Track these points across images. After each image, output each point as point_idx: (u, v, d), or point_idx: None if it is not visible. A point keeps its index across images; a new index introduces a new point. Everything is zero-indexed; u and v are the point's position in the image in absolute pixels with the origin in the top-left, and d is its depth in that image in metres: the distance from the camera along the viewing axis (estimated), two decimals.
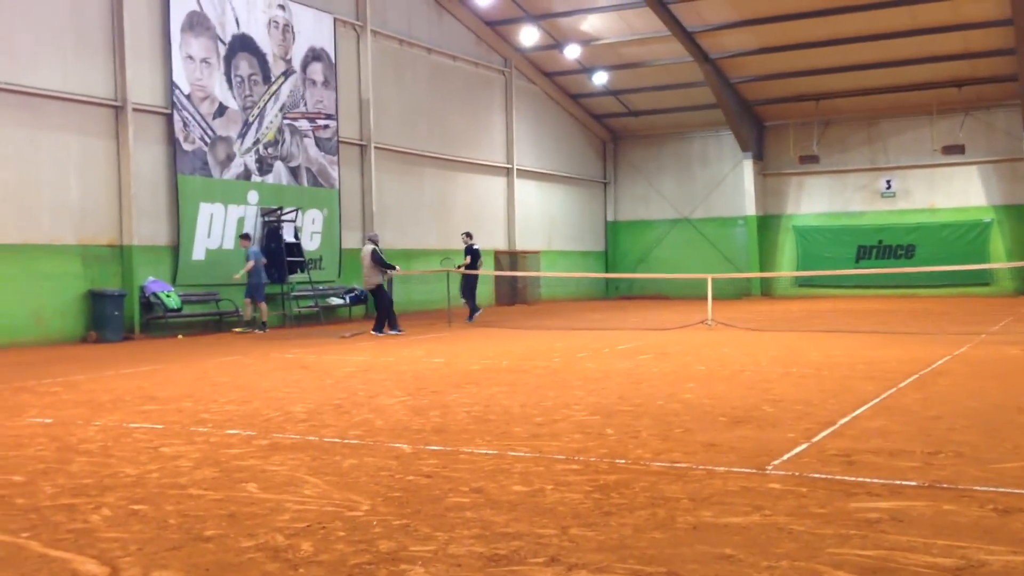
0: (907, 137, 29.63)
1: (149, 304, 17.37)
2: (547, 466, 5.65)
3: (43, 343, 15.79)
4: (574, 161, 32.04)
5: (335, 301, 21.28)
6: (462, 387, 9.43)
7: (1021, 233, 28.17)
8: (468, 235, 21.11)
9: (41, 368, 12.06)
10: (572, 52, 27.95)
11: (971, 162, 28.64)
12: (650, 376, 10.11)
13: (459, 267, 20.69)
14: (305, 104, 21.03)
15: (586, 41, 27.73)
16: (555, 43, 27.83)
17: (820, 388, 8.86)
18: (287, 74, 20.58)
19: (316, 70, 21.34)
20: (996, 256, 28.09)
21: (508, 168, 28.52)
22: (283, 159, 20.47)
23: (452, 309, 20.36)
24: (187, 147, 18.23)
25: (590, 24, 27.06)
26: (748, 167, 30.71)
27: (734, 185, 31.50)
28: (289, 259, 19.67)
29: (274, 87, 20.24)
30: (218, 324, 18.59)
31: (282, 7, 20.48)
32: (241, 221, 19.37)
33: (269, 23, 20.16)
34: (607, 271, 33.25)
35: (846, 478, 5.20)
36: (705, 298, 18.40)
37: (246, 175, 19.55)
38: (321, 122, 21.47)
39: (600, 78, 29.38)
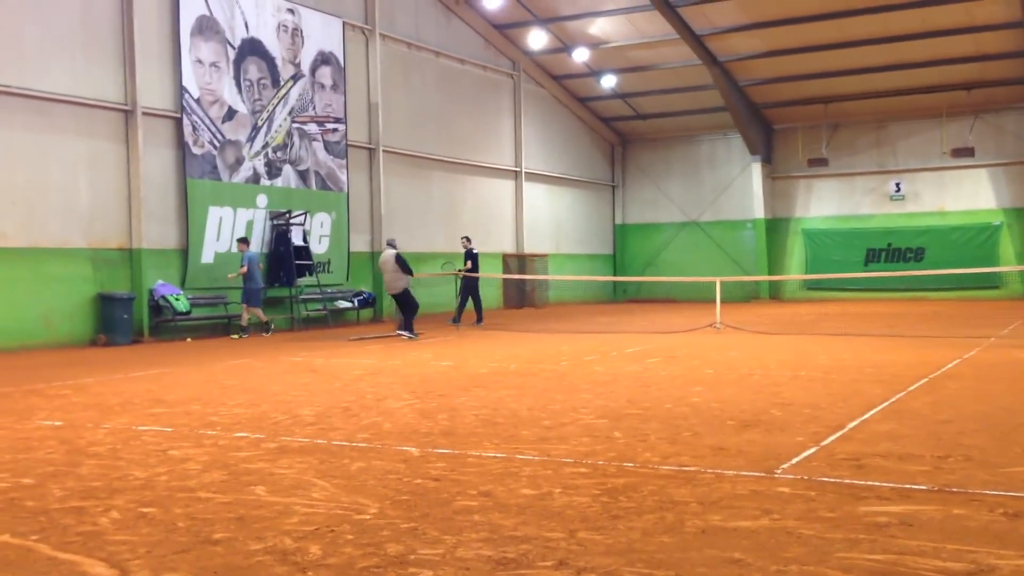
0: (916, 140, 29.54)
1: (158, 307, 17.41)
2: (555, 469, 5.65)
3: (52, 346, 15.84)
4: (582, 164, 32.03)
5: (343, 304, 21.31)
6: (470, 390, 9.43)
7: None
8: (467, 239, 21.20)
9: (50, 371, 12.10)
10: (580, 55, 27.95)
11: (981, 165, 28.53)
12: (658, 379, 10.10)
13: (460, 271, 20.75)
14: (314, 108, 21.08)
15: (594, 44, 27.73)
16: (563, 46, 27.83)
17: (829, 392, 8.84)
18: (296, 78, 20.63)
19: (325, 74, 21.39)
20: (1006, 259, 27.96)
21: (516, 171, 28.53)
22: (292, 163, 20.51)
23: (460, 312, 20.40)
24: (196, 151, 18.29)
25: (598, 27, 27.06)
26: (757, 170, 30.65)
27: (742, 188, 31.44)
28: (298, 262, 19.71)
29: (283, 91, 20.29)
30: (227, 327, 18.63)
31: (291, 11, 20.54)
32: (250, 225, 19.42)
33: (278, 27, 20.22)
34: (615, 274, 33.22)
35: (855, 482, 5.19)
36: (713, 301, 18.37)
37: (255, 179, 19.60)
38: (330, 125, 21.51)
39: (608, 81, 29.37)
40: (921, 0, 23.61)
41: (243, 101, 19.31)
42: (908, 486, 5.07)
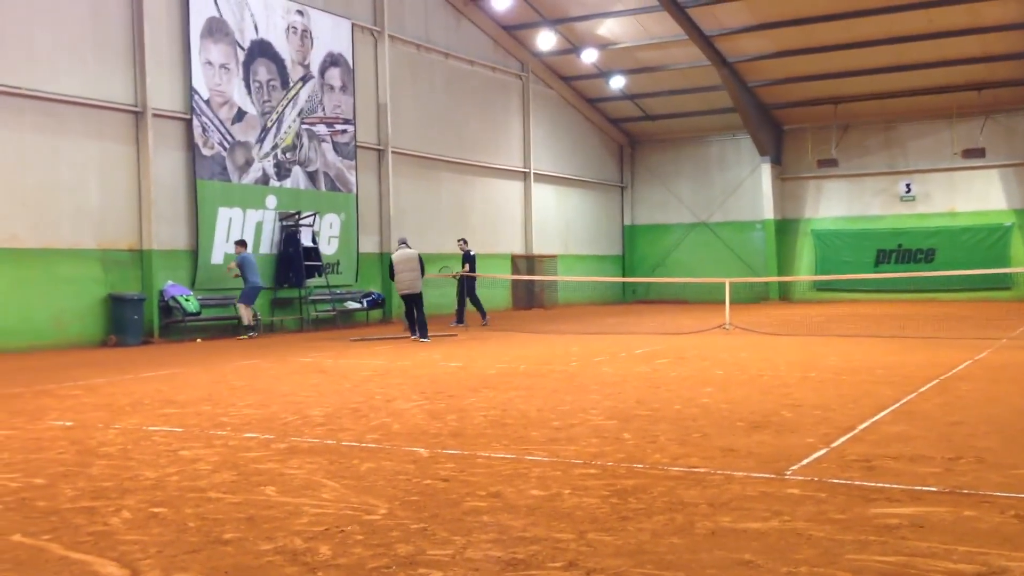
0: (926, 141, 29.44)
1: (168, 308, 17.47)
2: (564, 470, 5.65)
3: (63, 347, 15.91)
4: (591, 165, 32.02)
5: (352, 305, 21.34)
6: (479, 391, 9.43)
7: None
8: (463, 241, 21.27)
9: (61, 372, 12.15)
10: (589, 56, 27.94)
11: (992, 166, 28.41)
12: (668, 380, 10.09)
13: (457, 273, 20.82)
14: (323, 109, 21.13)
15: (603, 45, 27.72)
16: (572, 47, 27.83)
17: (839, 393, 8.81)
18: (305, 79, 20.68)
19: (334, 75, 21.43)
20: (1017, 260, 27.84)
21: (525, 172, 28.53)
22: (301, 164, 20.56)
23: (469, 313, 20.41)
24: (206, 152, 18.34)
25: (607, 28, 27.05)
26: (766, 171, 30.58)
27: (752, 189, 31.39)
28: (307, 263, 19.76)
29: (292, 92, 20.34)
30: (236, 328, 18.66)
31: (300, 13, 20.58)
32: (259, 226, 19.47)
33: (287, 29, 20.27)
34: (624, 275, 33.19)
35: (866, 484, 5.17)
36: (722, 302, 18.33)
37: (264, 180, 19.65)
38: (339, 127, 21.56)
39: (617, 82, 29.36)
40: (929, 1, 23.55)
41: (252, 102, 19.36)
42: (919, 488, 5.06)
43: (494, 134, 27.23)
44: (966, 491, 4.96)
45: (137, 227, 17.29)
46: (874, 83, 27.84)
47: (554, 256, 29.79)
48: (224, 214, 18.71)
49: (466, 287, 20.52)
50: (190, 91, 18.04)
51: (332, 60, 21.35)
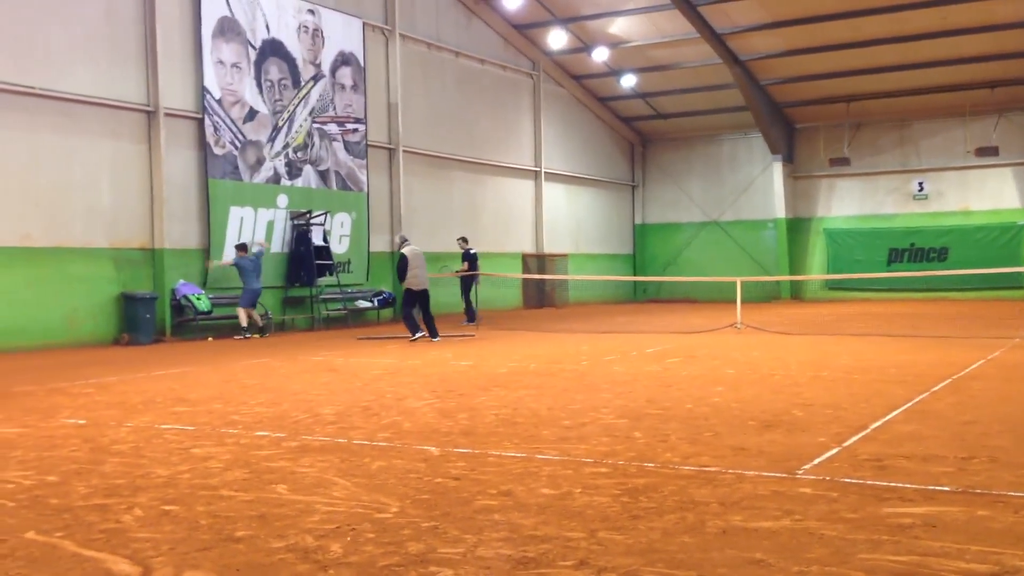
0: (939, 139, 29.29)
1: (180, 307, 17.53)
2: (575, 469, 5.64)
3: (76, 345, 15.99)
4: (602, 164, 31.98)
5: (363, 304, 21.37)
6: (489, 390, 9.43)
7: None
8: (464, 240, 21.30)
9: (74, 370, 12.21)
10: (600, 55, 27.90)
11: (1005, 164, 28.25)
12: (678, 379, 10.07)
13: (458, 272, 20.86)
14: (334, 108, 21.16)
15: (614, 44, 27.68)
16: (583, 46, 27.80)
17: (851, 392, 8.78)
18: (316, 78, 20.72)
19: (345, 74, 21.46)
20: None
21: (536, 171, 28.52)
22: (312, 163, 20.60)
23: (480, 312, 20.42)
24: (218, 151, 18.40)
25: (618, 27, 27.01)
26: (778, 169, 30.49)
27: (763, 188, 31.29)
28: (318, 262, 19.80)
29: (304, 91, 20.38)
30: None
31: (312, 12, 20.62)
32: (271, 225, 19.52)
33: (299, 28, 20.31)
34: (635, 274, 33.15)
35: (878, 483, 5.15)
36: (734, 301, 18.28)
37: (275, 179, 19.70)
38: (350, 126, 21.59)
39: (628, 81, 29.31)
40: None
41: (264, 102, 19.41)
42: (932, 487, 5.03)
43: (505, 133, 27.23)
44: (979, 490, 4.93)
45: (149, 226, 17.36)
46: (887, 81, 27.72)
47: (565, 255, 29.77)
48: (236, 213, 18.77)
49: (464, 285, 20.69)
50: (202, 90, 18.09)
51: (343, 59, 21.39)
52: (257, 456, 6.22)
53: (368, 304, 21.45)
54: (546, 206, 28.78)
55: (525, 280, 27.35)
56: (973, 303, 26.08)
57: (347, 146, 21.50)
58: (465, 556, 3.97)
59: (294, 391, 9.62)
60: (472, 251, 21.09)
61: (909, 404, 7.97)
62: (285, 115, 19.90)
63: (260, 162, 19.33)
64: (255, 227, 19.19)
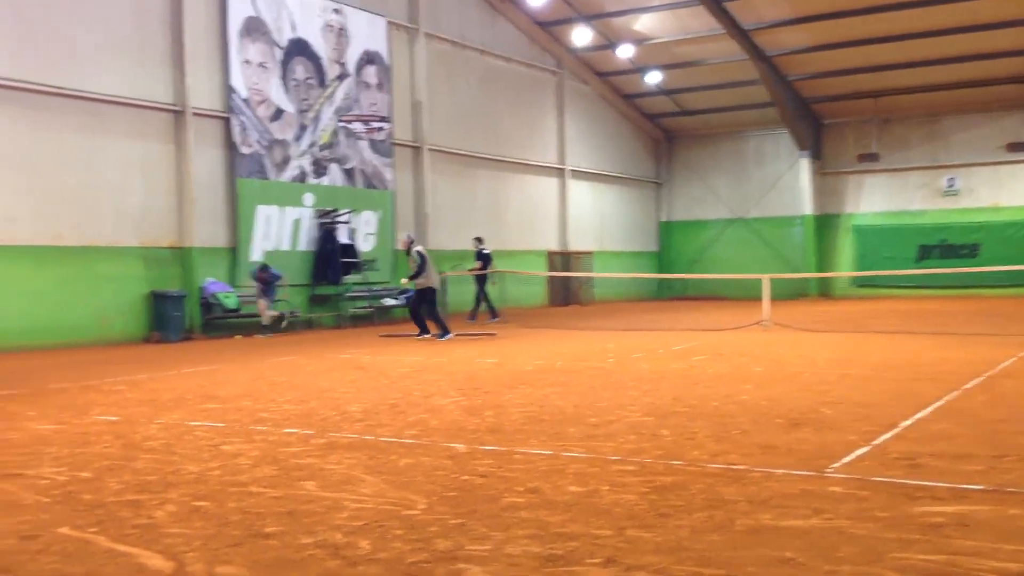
0: (970, 134, 28.95)
1: (208, 305, 17.67)
2: (602, 467, 5.64)
3: (107, 343, 16.16)
4: (627, 161, 31.89)
5: (389, 302, 21.43)
6: (515, 387, 9.43)
7: None
8: (479, 240, 21.40)
9: (105, 367, 12.35)
10: (625, 52, 27.81)
11: None
12: (705, 377, 10.03)
13: (471, 270, 20.97)
14: (359, 107, 21.25)
15: (639, 41, 27.58)
16: (608, 43, 27.72)
17: (880, 390, 8.70)
18: (342, 77, 20.81)
19: (370, 73, 21.54)
20: None
21: (561, 169, 28.49)
22: (338, 161, 20.70)
23: (505, 309, 20.44)
24: (244, 150, 18.53)
25: (643, 24, 26.91)
26: (805, 166, 30.27)
27: (791, 184, 31.08)
28: (344, 260, 19.90)
29: (329, 90, 20.48)
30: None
31: (337, 11, 20.71)
32: (297, 223, 19.64)
33: (324, 27, 20.41)
34: (660, 272, 33.03)
35: (908, 481, 5.10)
36: (760, 299, 18.17)
37: (301, 177, 19.81)
38: (375, 124, 21.67)
39: (653, 78, 29.20)
40: None
41: (290, 101, 19.53)
42: (963, 486, 4.98)
43: (529, 131, 27.21)
44: (1011, 489, 4.88)
45: (178, 225, 17.51)
46: (915, 76, 27.43)
47: (590, 252, 29.73)
48: (262, 211, 18.89)
49: (478, 284, 20.95)
50: (228, 90, 18.23)
51: (368, 58, 21.46)
52: (286, 453, 6.26)
53: (394, 302, 21.51)
54: (571, 204, 28.75)
55: (550, 278, 27.33)
56: (1004, 300, 25.75)
57: (372, 144, 21.58)
58: (493, 553, 3.98)
59: (321, 388, 9.68)
60: (485, 251, 21.22)
61: (940, 402, 7.89)
62: (311, 114, 20.00)
63: (286, 161, 19.45)
64: (282, 225, 19.31)
